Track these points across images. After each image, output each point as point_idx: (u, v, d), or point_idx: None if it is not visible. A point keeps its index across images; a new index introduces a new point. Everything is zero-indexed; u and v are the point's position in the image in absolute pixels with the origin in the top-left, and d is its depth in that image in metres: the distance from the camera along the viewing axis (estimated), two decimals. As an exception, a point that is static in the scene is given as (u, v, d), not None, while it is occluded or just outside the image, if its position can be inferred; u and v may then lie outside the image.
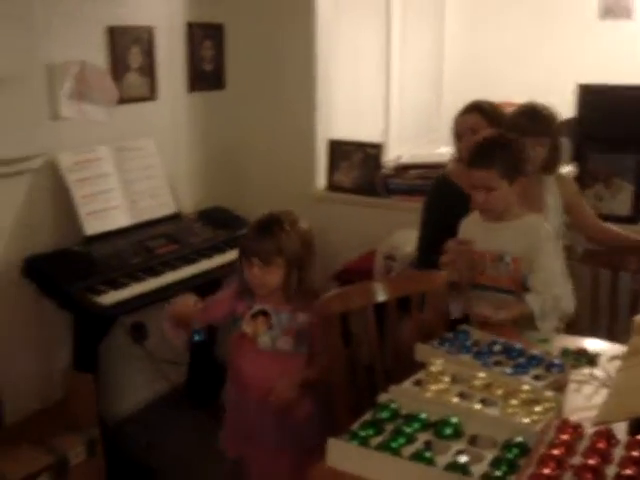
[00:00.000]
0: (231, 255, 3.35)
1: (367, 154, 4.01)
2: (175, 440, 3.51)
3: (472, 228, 2.69)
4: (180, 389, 3.89)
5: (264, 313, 2.41)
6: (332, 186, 4.12)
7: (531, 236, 2.56)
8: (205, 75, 3.91)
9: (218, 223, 3.56)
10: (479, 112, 2.96)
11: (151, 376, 3.70)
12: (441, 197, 3.00)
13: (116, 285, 2.93)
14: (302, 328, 2.39)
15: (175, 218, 3.49)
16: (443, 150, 3.80)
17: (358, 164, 4.04)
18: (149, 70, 3.56)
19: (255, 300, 2.41)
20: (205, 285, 3.20)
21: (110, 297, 2.86)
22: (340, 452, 1.72)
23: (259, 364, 2.44)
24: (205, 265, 3.25)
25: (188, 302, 2.54)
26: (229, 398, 2.58)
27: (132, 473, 3.25)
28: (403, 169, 3.94)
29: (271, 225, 2.34)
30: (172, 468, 3.30)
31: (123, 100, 3.40)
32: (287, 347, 2.40)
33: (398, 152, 4.18)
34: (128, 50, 3.44)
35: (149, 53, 3.55)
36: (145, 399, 3.76)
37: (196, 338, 2.51)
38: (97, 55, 3.31)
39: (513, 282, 2.57)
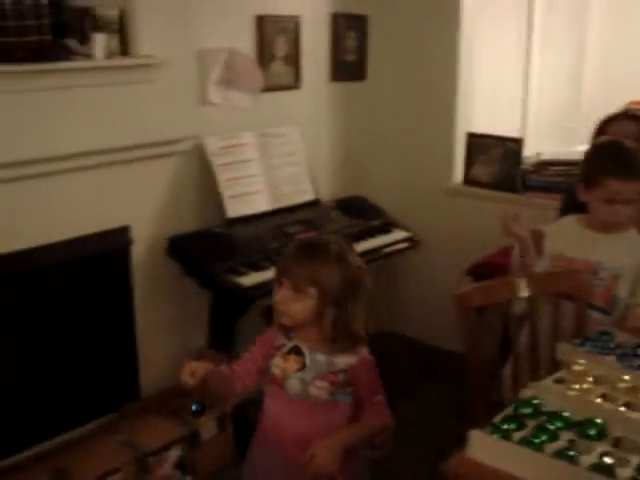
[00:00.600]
0: (368, 244, 3.38)
1: (507, 149, 3.94)
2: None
3: (569, 232, 2.55)
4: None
5: (297, 352, 2.06)
6: (469, 180, 4.07)
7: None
8: (347, 65, 3.94)
9: (355, 212, 3.59)
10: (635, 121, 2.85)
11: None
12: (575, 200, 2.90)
13: (256, 267, 3.01)
14: (340, 374, 2.03)
15: (314, 205, 3.54)
16: (581, 148, 3.69)
17: (497, 159, 3.98)
18: (294, 59, 3.62)
19: (292, 337, 2.08)
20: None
21: (250, 279, 2.94)
22: (481, 444, 1.71)
23: (288, 415, 2.08)
24: (341, 253, 3.27)
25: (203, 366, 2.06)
26: (251, 461, 2.21)
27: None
28: (543, 165, 3.85)
29: (314, 249, 2.03)
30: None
31: (268, 88, 3.47)
32: (322, 395, 2.03)
33: (534, 149, 4.08)
34: (275, 39, 3.51)
35: (294, 42, 3.61)
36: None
37: (194, 408, 2.17)
38: (245, 43, 3.39)
39: (605, 299, 2.44)
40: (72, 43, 2.72)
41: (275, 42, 3.50)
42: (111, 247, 3.03)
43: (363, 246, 3.34)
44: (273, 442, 2.13)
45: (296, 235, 3.25)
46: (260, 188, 3.35)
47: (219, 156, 3.22)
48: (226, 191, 3.19)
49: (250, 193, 3.29)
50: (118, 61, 2.79)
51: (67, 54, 2.67)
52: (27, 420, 2.93)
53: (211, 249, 3.01)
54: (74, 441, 3.06)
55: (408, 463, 3.18)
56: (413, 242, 3.56)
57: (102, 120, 2.80)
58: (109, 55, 2.78)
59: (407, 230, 3.66)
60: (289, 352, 2.07)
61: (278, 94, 3.55)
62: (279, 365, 2.08)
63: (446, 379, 3.78)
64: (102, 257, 3.01)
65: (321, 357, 2.04)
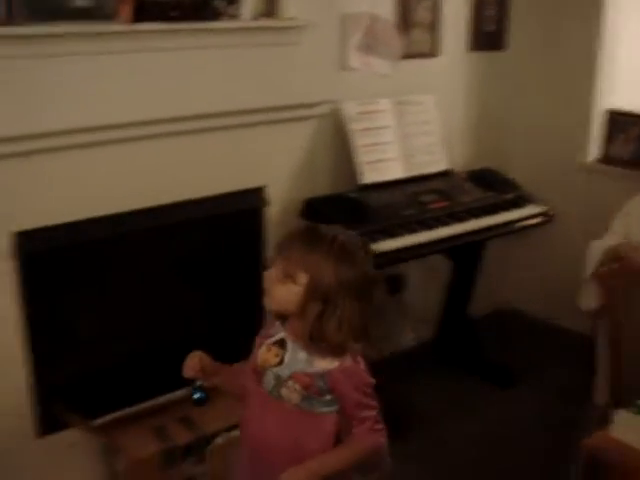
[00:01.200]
0: (499, 218, 3.32)
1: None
2: (419, 395, 3.55)
3: None
4: (427, 346, 3.93)
5: (282, 344, 1.84)
6: (606, 158, 3.93)
7: None
8: (486, 35, 3.86)
9: (487, 184, 3.52)
10: None
11: (400, 328, 3.75)
12: None
13: (389, 234, 3.00)
14: (317, 378, 1.79)
15: (446, 175, 3.50)
16: None
17: (638, 137, 3.83)
18: (433, 27, 3.58)
19: (284, 329, 1.86)
20: (469, 246, 3.21)
21: (383, 245, 2.94)
22: (629, 424, 1.66)
23: (258, 417, 1.88)
24: (473, 225, 3.23)
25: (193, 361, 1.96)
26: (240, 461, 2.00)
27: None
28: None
29: (318, 239, 1.78)
30: (418, 422, 3.33)
31: (406, 55, 3.44)
32: (292, 398, 1.82)
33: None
34: (416, 5, 3.48)
35: (435, 10, 3.56)
36: (393, 350, 3.82)
37: (196, 397, 2.01)
38: (387, 9, 3.36)
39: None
40: (220, 4, 2.75)
41: (416, 8, 3.47)
42: (247, 206, 3.07)
43: (496, 219, 3.29)
44: (243, 443, 1.95)
45: (430, 205, 3.23)
46: (394, 156, 3.33)
47: (356, 121, 3.22)
48: (361, 157, 3.19)
49: (385, 160, 3.28)
50: (265, 22, 2.82)
51: (215, 14, 2.71)
52: (158, 369, 3.03)
53: (345, 213, 3.02)
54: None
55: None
56: (547, 217, 3.46)
57: (245, 81, 2.84)
58: (256, 16, 2.80)
59: (541, 205, 3.56)
60: (274, 343, 1.86)
61: (416, 61, 3.52)
62: (261, 355, 1.87)
63: (568, 359, 3.71)
64: (238, 216, 3.07)
65: (302, 355, 1.80)
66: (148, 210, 2.78)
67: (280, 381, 1.82)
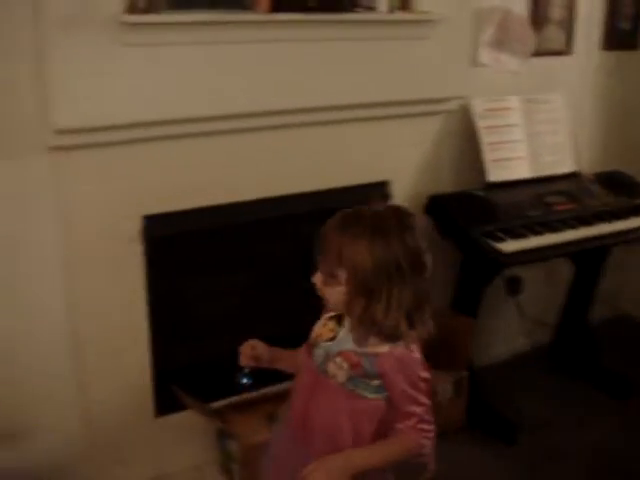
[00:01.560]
0: (629, 223, 3.20)
1: None
2: (532, 400, 3.46)
3: None
4: (543, 349, 3.83)
5: (339, 320, 1.80)
6: None
7: None
8: (621, 33, 3.73)
9: (616, 187, 3.40)
10: None
11: (516, 331, 3.68)
12: None
13: (515, 234, 2.93)
14: (365, 359, 1.72)
15: (573, 177, 3.40)
16: None
17: None
18: (567, 24, 3.47)
19: None
20: (594, 250, 3.10)
21: (508, 245, 2.88)
22: None
23: (306, 390, 1.82)
24: (601, 229, 3.13)
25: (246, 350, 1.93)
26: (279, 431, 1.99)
27: (488, 420, 3.27)
28: None
29: (348, 222, 1.67)
30: (530, 426, 3.25)
31: (538, 52, 3.34)
32: (338, 375, 1.75)
33: None
34: (550, 2, 3.37)
35: (570, 6, 3.46)
36: (507, 352, 3.74)
37: (244, 381, 1.97)
38: (520, 4, 3.28)
39: None
40: (355, -5, 2.74)
41: (551, 4, 3.37)
42: (369, 200, 3.04)
43: (625, 224, 3.17)
44: (288, 415, 1.89)
45: (556, 206, 3.14)
46: (522, 154, 3.26)
47: (484, 118, 3.16)
48: (489, 154, 3.14)
49: (512, 159, 3.22)
50: (401, 15, 2.79)
51: (352, 6, 2.70)
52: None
53: (471, 211, 2.98)
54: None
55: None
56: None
57: (377, 73, 2.82)
58: (391, 9, 2.78)
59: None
60: (332, 318, 1.81)
61: (547, 59, 3.42)
62: (317, 329, 1.84)
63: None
64: (360, 209, 3.05)
65: (354, 335, 1.74)
66: (272, 200, 2.80)
67: (329, 356, 1.76)
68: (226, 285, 2.90)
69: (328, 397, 1.76)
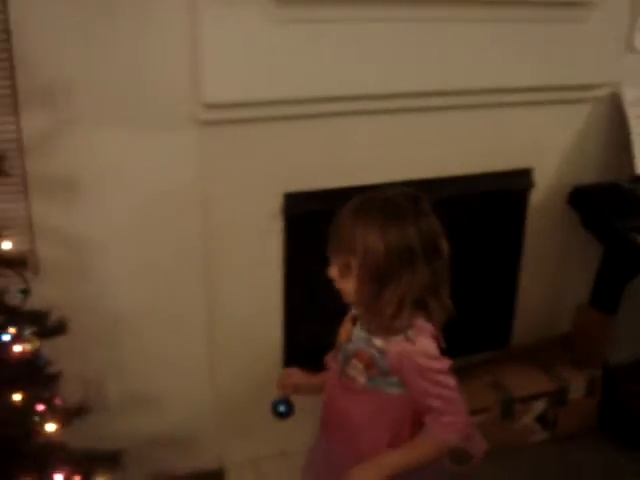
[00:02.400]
0: None
1: None
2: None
3: None
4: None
5: (354, 321, 1.78)
6: None
7: None
8: None
9: None
10: None
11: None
12: None
13: (661, 232, 2.79)
14: (377, 356, 1.68)
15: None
16: None
17: None
18: None
19: None
20: None
21: (654, 243, 2.74)
22: None
23: (337, 392, 1.80)
24: None
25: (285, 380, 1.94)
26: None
27: (622, 422, 3.14)
28: None
29: (361, 207, 1.62)
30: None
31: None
32: (358, 377, 1.72)
33: None
34: None
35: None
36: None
37: (281, 410, 1.91)
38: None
39: None
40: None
41: None
42: (511, 187, 2.98)
43: None
44: (321, 422, 1.88)
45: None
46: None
47: (636, 107, 3.00)
48: (638, 145, 2.98)
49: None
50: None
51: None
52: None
53: (617, 204, 2.85)
54: (458, 369, 3.11)
55: None
56: None
57: (527, 57, 2.72)
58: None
59: None
60: (350, 319, 1.79)
61: None
62: (340, 332, 1.81)
63: None
64: (501, 196, 2.99)
65: (363, 332, 1.71)
66: (414, 183, 2.73)
67: (346, 358, 1.74)
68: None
69: (353, 398, 1.74)
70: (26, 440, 1.89)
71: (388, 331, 1.65)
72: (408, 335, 1.64)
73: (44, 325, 1.85)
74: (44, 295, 2.01)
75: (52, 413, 1.81)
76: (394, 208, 1.58)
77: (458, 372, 3.04)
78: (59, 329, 1.90)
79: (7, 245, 1.81)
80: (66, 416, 1.88)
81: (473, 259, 3.03)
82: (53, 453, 1.89)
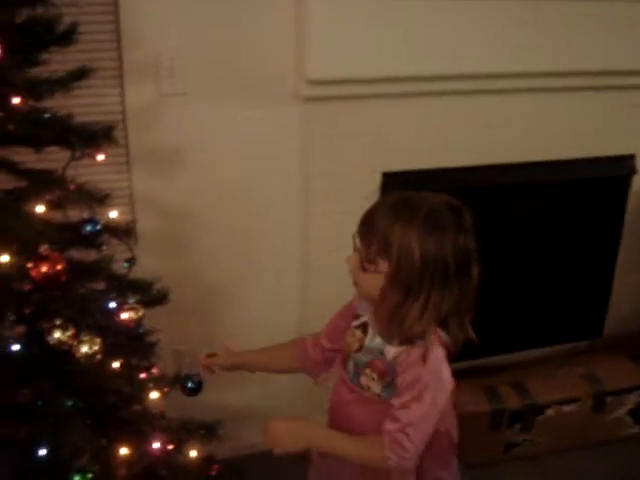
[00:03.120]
0: None
1: None
2: None
3: None
4: None
5: (364, 329, 1.66)
6: None
7: None
8: None
9: None
10: None
11: None
12: None
13: None
14: (389, 365, 1.58)
15: None
16: None
17: None
18: None
19: (368, 310, 1.66)
20: None
21: None
22: None
23: (343, 404, 1.71)
24: None
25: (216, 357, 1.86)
26: None
27: None
28: None
29: (402, 208, 1.51)
30: None
31: None
32: (372, 387, 1.63)
33: None
34: None
35: None
36: None
37: (189, 386, 1.86)
38: None
39: None
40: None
41: None
42: (612, 174, 2.89)
43: None
44: (329, 425, 1.76)
45: None
46: None
47: None
48: None
49: None
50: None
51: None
52: (496, 329, 2.98)
53: None
54: (534, 360, 3.06)
55: None
56: None
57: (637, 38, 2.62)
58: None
59: None
60: (358, 327, 1.67)
61: None
62: (347, 339, 1.69)
63: None
64: (602, 182, 2.91)
65: (378, 340, 1.60)
66: (515, 165, 2.71)
67: (359, 368, 1.65)
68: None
69: (366, 409, 1.65)
70: (125, 407, 1.91)
71: (402, 338, 1.55)
72: (420, 344, 1.53)
73: (148, 294, 1.87)
74: (142, 265, 2.03)
75: (153, 382, 1.83)
76: (438, 218, 1.49)
77: (550, 361, 3.01)
78: (161, 299, 1.92)
79: (113, 214, 1.83)
80: (164, 385, 1.90)
81: (569, 247, 2.97)
82: (152, 421, 1.91)
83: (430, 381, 1.52)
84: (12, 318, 1.60)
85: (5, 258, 1.58)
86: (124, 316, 1.73)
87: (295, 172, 2.46)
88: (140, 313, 1.76)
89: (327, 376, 1.81)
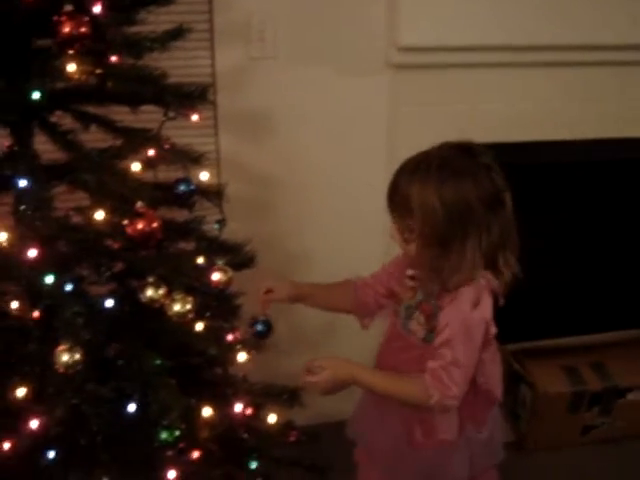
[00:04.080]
0: None
1: None
2: None
3: None
4: None
5: (414, 277, 1.69)
6: None
7: None
8: None
9: None
10: None
11: None
12: None
13: None
14: (436, 312, 1.61)
15: None
16: None
17: None
18: None
19: None
20: None
21: None
22: None
23: (392, 351, 1.74)
24: None
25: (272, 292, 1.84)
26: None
27: None
28: None
29: (416, 163, 1.55)
30: None
31: None
32: (418, 331, 1.65)
33: None
34: None
35: None
36: None
37: (258, 329, 1.83)
38: None
39: None
40: None
41: None
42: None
43: None
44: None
45: None
46: None
47: None
48: None
49: None
50: None
51: None
52: (578, 308, 2.92)
53: None
54: (615, 342, 2.98)
55: None
56: None
57: None
58: None
59: None
60: (410, 277, 1.69)
61: None
62: (400, 287, 1.72)
63: None
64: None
65: (428, 287, 1.62)
66: (606, 141, 2.63)
67: (409, 313, 1.67)
68: (543, 221, 2.77)
69: (412, 355, 1.66)
70: (209, 369, 1.92)
71: (452, 288, 1.56)
72: (465, 289, 1.55)
73: (237, 257, 1.87)
74: (227, 229, 2.02)
75: (240, 344, 1.82)
76: (450, 166, 1.51)
77: (631, 344, 2.93)
78: (249, 262, 1.91)
79: (205, 176, 1.82)
80: (248, 349, 1.89)
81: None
82: (235, 384, 1.91)
83: (470, 322, 1.54)
84: (107, 274, 1.60)
85: (100, 215, 1.59)
86: (214, 277, 1.72)
87: (382, 140, 2.43)
88: (229, 274, 1.75)
89: (373, 321, 1.83)
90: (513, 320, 2.79)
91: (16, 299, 1.56)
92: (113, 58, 1.60)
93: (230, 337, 1.83)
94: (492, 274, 1.57)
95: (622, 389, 2.74)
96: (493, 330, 1.59)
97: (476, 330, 1.55)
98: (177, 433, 1.69)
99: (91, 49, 1.48)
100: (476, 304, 1.54)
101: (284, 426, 2.04)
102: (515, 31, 2.32)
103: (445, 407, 1.57)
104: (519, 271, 1.58)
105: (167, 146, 1.69)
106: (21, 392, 1.56)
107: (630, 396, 2.74)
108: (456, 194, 1.48)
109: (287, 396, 1.98)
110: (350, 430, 1.87)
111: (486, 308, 1.56)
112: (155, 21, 1.72)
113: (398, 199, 1.55)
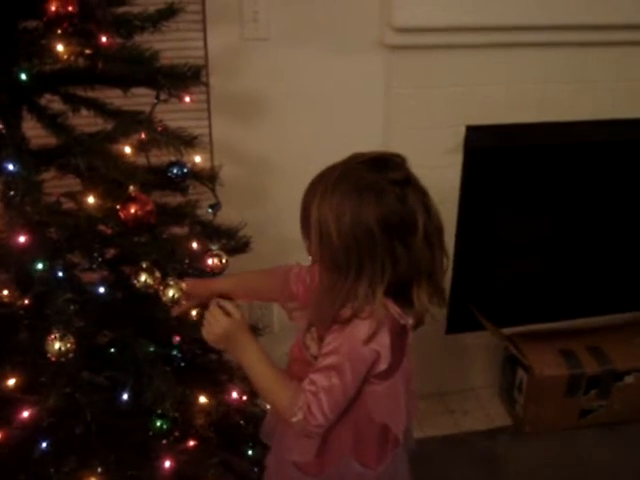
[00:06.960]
0: None
1: None
2: None
3: None
4: None
5: None
6: None
7: None
8: None
9: None
10: None
11: None
12: None
13: None
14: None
15: None
16: None
17: None
18: None
19: None
20: None
21: None
22: None
23: (290, 362, 1.61)
24: None
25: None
26: None
27: None
28: None
29: (320, 180, 1.37)
30: None
31: None
32: (310, 346, 1.51)
33: None
34: None
35: None
36: None
37: None
38: None
39: None
40: None
41: None
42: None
43: None
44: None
45: None
46: None
47: None
48: None
49: None
50: None
51: None
52: (574, 291, 2.91)
53: None
54: (612, 326, 2.97)
55: None
56: None
57: None
58: None
59: None
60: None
61: None
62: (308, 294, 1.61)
63: None
64: None
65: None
66: (600, 123, 2.60)
67: (309, 325, 1.51)
68: (539, 205, 2.75)
69: (304, 370, 1.49)
70: (203, 356, 1.90)
71: (335, 320, 1.39)
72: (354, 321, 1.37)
73: (231, 241, 1.84)
74: (220, 213, 1.98)
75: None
76: (352, 181, 1.30)
77: (629, 328, 2.91)
78: (243, 247, 1.88)
79: (197, 159, 1.79)
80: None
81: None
82: (229, 370, 1.89)
83: (357, 356, 1.37)
84: (99, 260, 1.57)
85: (92, 199, 1.55)
86: (209, 262, 1.69)
87: (377, 122, 2.40)
88: (224, 260, 1.72)
89: (302, 314, 1.59)
90: (510, 304, 2.78)
91: (6, 287, 1.52)
92: (103, 38, 1.55)
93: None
94: (400, 305, 1.38)
95: (620, 372, 2.72)
96: (382, 367, 1.40)
97: (361, 364, 1.38)
98: (171, 421, 1.66)
99: (80, 29, 1.43)
100: (370, 339, 1.35)
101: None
102: (511, 11, 2.28)
103: (306, 431, 1.43)
104: (442, 300, 1.42)
105: (160, 129, 1.64)
106: (12, 382, 1.52)
107: (628, 379, 2.73)
108: (353, 215, 1.28)
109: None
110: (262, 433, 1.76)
111: (380, 344, 1.36)
112: (145, 3, 1.67)
113: (302, 213, 1.39)
